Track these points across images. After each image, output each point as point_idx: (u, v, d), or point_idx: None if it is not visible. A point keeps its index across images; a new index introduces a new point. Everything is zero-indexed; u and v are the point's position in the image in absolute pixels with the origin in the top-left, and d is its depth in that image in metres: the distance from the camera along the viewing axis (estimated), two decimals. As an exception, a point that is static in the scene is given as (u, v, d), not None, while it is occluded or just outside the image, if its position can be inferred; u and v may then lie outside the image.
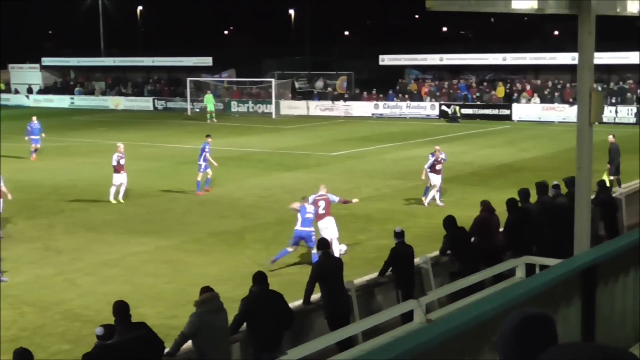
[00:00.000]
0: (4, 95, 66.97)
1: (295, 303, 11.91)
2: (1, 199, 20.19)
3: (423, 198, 23.10)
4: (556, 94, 49.10)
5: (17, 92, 70.25)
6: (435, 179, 22.86)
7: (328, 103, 55.50)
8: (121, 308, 9.12)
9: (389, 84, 55.75)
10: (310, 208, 16.79)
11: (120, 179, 24.15)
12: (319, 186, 18.13)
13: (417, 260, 13.79)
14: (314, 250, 15.66)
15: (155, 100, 62.23)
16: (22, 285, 15.88)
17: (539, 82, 51.95)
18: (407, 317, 11.26)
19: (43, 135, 34.64)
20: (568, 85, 49.07)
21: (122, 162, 24.16)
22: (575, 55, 11.43)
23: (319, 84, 59.95)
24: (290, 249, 16.77)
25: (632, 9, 11.62)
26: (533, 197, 15.72)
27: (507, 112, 49.62)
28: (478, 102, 51.62)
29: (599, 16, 11.24)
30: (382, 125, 48.19)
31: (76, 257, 18.04)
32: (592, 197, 14.31)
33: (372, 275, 13.77)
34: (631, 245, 6.73)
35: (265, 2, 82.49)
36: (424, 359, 4.49)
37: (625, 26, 39.93)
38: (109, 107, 63.57)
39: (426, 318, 10.71)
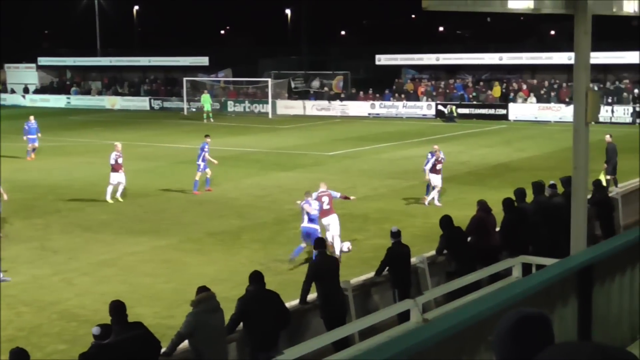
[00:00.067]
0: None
1: (291, 302, 11.92)
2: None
3: (425, 197, 23.07)
4: (552, 94, 49.14)
5: (13, 91, 70.19)
6: (436, 180, 22.82)
7: (324, 103, 55.48)
8: (118, 308, 9.13)
9: (385, 83, 55.77)
10: (315, 204, 16.85)
11: (118, 178, 24.16)
12: (317, 185, 18.14)
13: (413, 259, 13.80)
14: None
15: (152, 100, 62.18)
16: (18, 285, 15.87)
17: (535, 81, 52.02)
18: (404, 316, 11.25)
19: (39, 135, 34.62)
20: (564, 85, 49.11)
21: (120, 161, 24.16)
22: (572, 55, 11.45)
23: (316, 83, 59.93)
24: (303, 245, 16.84)
25: (628, 8, 11.64)
26: (529, 197, 15.75)
27: (503, 111, 49.65)
28: (474, 102, 51.63)
29: (595, 16, 11.26)
30: (378, 125, 48.19)
31: (73, 257, 18.02)
32: (589, 196, 14.34)
33: (369, 274, 13.79)
34: (627, 245, 6.75)
35: (262, 2, 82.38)
36: (421, 358, 4.50)
37: (621, 26, 40.12)
38: (105, 107, 63.51)
39: (423, 318, 10.70)
